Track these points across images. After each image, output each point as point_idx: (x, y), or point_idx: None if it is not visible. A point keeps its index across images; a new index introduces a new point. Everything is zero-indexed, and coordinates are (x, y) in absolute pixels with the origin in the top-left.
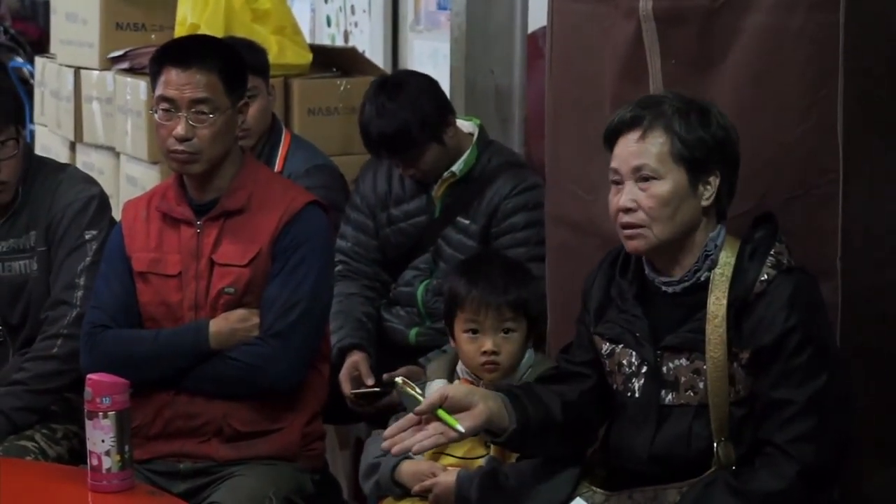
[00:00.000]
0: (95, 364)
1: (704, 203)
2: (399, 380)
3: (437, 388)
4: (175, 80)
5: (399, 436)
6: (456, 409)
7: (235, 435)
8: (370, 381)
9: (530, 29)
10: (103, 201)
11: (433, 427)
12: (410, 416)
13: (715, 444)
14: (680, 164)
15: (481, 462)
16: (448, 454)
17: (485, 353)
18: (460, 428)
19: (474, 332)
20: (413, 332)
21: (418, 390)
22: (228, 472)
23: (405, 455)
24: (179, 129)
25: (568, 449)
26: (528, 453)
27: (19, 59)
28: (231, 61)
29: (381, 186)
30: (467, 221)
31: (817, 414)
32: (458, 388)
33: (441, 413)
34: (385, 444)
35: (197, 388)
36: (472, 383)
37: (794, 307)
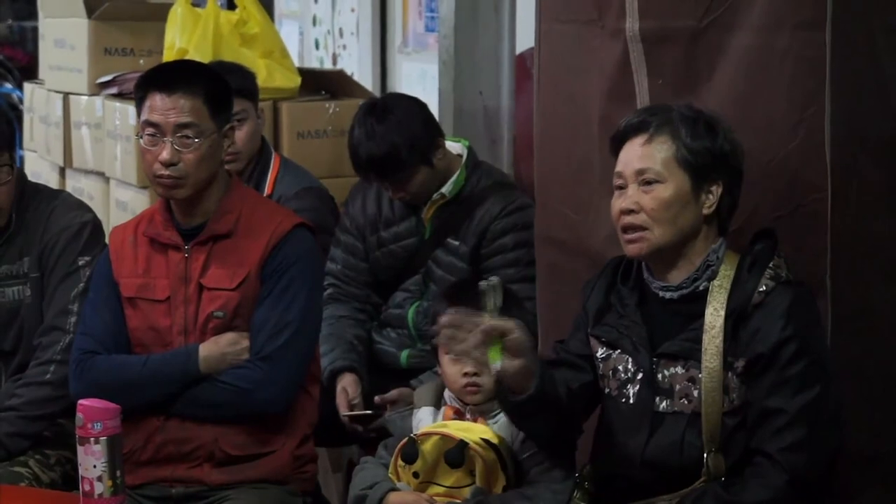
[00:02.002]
0: (85, 390)
1: (706, 211)
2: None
3: (424, 415)
4: (160, 105)
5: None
6: (511, 349)
7: (227, 459)
8: (356, 402)
9: (518, 50)
10: (96, 227)
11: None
12: (469, 319)
13: (705, 455)
14: (684, 169)
15: (467, 492)
16: (436, 484)
17: (465, 374)
18: (498, 366)
19: None
20: (404, 354)
21: None
22: (220, 497)
23: (391, 487)
24: (165, 154)
25: (560, 433)
26: (528, 425)
27: (8, 85)
28: (216, 86)
29: (370, 209)
30: (457, 243)
31: (809, 425)
32: (523, 332)
33: (496, 345)
34: (443, 321)
35: (187, 413)
36: (459, 410)
37: (791, 318)
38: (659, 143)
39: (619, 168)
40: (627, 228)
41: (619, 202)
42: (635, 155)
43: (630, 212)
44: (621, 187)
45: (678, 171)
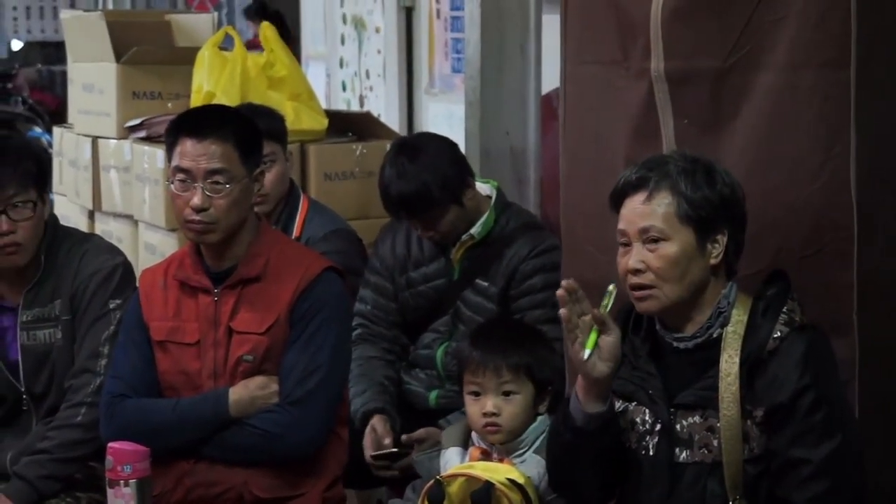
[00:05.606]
0: (115, 434)
1: (713, 261)
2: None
3: (451, 455)
4: (191, 151)
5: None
6: (602, 347)
7: (256, 501)
8: (387, 441)
9: (544, 90)
10: (127, 270)
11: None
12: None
13: (730, 503)
14: (687, 224)
15: None
16: None
17: (485, 414)
18: (587, 353)
19: (476, 394)
20: (433, 394)
21: None
22: None
23: None
24: (196, 200)
25: (602, 488)
26: (586, 455)
27: (38, 129)
28: (246, 131)
29: (399, 250)
30: (486, 283)
31: (833, 473)
32: (618, 344)
33: (594, 330)
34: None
35: (217, 456)
36: (485, 450)
37: (808, 365)
38: (660, 199)
39: (621, 226)
40: (636, 287)
41: (624, 260)
42: (637, 213)
43: (637, 271)
44: (625, 244)
45: (682, 227)
